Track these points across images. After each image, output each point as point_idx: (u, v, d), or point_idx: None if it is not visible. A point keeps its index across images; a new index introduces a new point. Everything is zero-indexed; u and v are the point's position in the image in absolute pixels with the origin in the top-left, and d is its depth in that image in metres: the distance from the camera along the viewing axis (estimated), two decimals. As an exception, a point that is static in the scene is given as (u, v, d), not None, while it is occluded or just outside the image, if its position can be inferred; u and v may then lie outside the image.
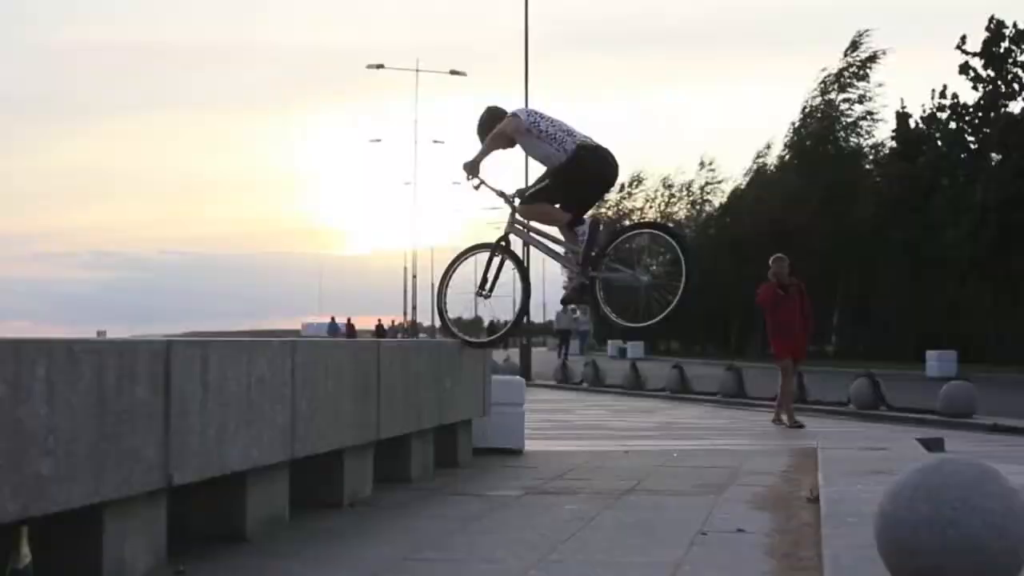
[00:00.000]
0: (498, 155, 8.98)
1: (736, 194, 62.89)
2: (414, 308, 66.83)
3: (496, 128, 8.72)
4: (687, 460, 9.70)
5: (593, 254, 8.47)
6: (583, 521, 6.32)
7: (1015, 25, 44.04)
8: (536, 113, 8.94)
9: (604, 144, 8.81)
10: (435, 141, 69.00)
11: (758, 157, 61.96)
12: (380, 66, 54.48)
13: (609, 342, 60.84)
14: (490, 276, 8.86)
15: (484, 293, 8.90)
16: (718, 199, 68.15)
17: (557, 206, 8.68)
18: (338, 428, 6.64)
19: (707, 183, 70.40)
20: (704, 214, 68.99)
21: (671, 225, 8.26)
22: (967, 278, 43.82)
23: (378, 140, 69.68)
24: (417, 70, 59.29)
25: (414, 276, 66.35)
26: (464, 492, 7.67)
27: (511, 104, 9.35)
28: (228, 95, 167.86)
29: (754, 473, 8.53)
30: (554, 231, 8.88)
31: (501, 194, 8.87)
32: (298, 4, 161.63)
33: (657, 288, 8.32)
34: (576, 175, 8.58)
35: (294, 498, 6.28)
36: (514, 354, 39.70)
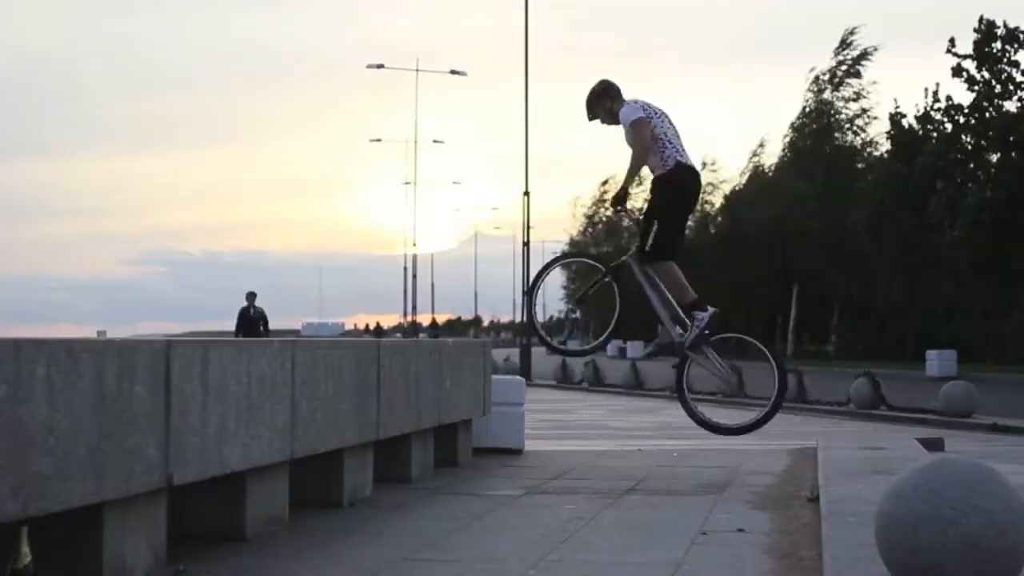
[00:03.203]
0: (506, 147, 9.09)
1: (735, 194, 62.90)
2: (414, 308, 66.82)
3: (635, 143, 8.07)
4: (687, 460, 9.70)
5: (702, 335, 8.47)
6: (583, 521, 6.32)
7: (1006, 24, 43.90)
8: (651, 108, 8.27)
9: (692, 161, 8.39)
10: (435, 141, 69.01)
11: (753, 156, 61.99)
12: (380, 66, 54.46)
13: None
14: (591, 291, 8.97)
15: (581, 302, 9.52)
16: (718, 199, 68.15)
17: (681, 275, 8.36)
18: (338, 428, 6.64)
19: (708, 183, 70.37)
20: (702, 213, 68.95)
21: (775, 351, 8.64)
22: (965, 279, 43.84)
23: (378, 140, 69.71)
24: (417, 70, 59.31)
25: (414, 276, 66.33)
26: (464, 492, 7.67)
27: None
28: (237, 95, 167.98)
29: (754, 473, 8.53)
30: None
31: (641, 232, 8.42)
32: (297, 5, 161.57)
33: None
34: (678, 198, 8.30)
35: (294, 498, 6.28)
36: (514, 354, 39.72)
